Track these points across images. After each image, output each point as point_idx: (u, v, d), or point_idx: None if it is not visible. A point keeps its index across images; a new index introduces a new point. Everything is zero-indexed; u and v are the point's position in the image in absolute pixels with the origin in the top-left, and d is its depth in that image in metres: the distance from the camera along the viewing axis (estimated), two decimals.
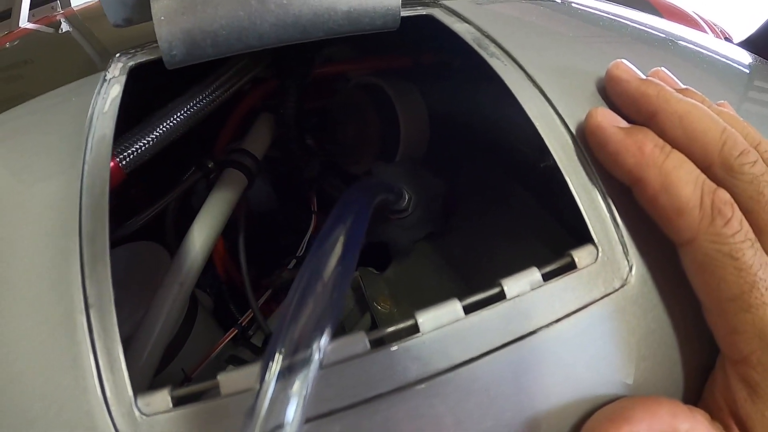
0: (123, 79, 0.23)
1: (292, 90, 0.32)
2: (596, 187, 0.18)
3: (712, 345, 0.17)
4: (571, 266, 0.17)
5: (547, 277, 0.17)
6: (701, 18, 0.99)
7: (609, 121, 0.18)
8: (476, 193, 0.34)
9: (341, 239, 0.15)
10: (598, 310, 0.17)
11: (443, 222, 0.32)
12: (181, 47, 0.21)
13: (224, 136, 0.34)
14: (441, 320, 0.16)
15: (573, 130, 0.20)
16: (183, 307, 0.27)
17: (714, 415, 0.16)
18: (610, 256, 0.17)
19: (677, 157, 0.17)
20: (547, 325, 0.16)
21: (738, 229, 0.16)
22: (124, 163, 0.23)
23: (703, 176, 0.17)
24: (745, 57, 0.35)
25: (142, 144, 0.24)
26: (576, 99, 0.21)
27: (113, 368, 0.15)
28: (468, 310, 0.16)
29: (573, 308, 0.17)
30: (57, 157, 0.19)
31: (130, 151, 0.24)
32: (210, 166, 0.32)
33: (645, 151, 0.17)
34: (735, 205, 0.16)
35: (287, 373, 0.12)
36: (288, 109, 0.33)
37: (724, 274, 0.16)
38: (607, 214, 0.18)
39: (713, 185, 0.16)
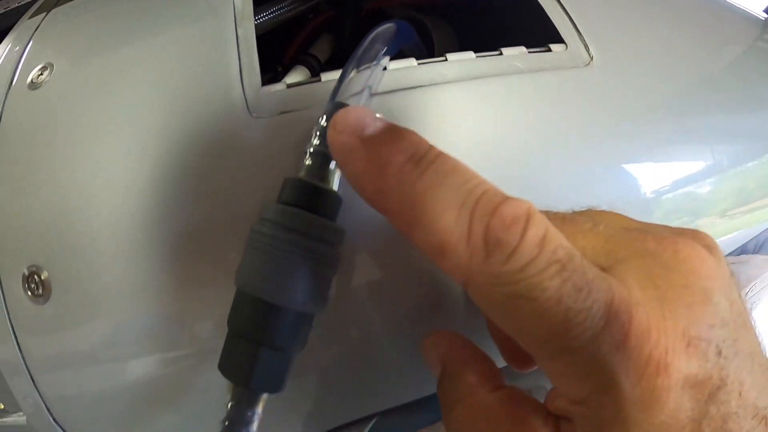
0: None
1: (348, 18, 0.43)
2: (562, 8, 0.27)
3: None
4: (549, 49, 0.25)
5: (531, 52, 0.25)
6: None
7: (353, 128, 0.14)
8: None
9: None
10: (569, 74, 0.25)
11: None
12: None
13: (290, 50, 0.44)
14: (463, 57, 0.24)
15: None
16: None
17: None
18: (574, 48, 0.26)
19: (439, 170, 0.13)
20: (533, 71, 0.24)
21: (533, 256, 0.12)
22: None
23: (480, 190, 0.13)
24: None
25: None
26: None
27: (251, 62, 0.23)
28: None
29: (556, 66, 0.25)
30: None
31: None
32: (279, 69, 0.41)
33: (388, 172, 0.13)
34: (533, 220, 0.12)
35: (361, 64, 0.20)
36: (344, 34, 0.43)
37: (520, 319, 0.12)
38: (571, 24, 0.26)
39: (495, 200, 0.12)
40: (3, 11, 0.52)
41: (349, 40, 0.43)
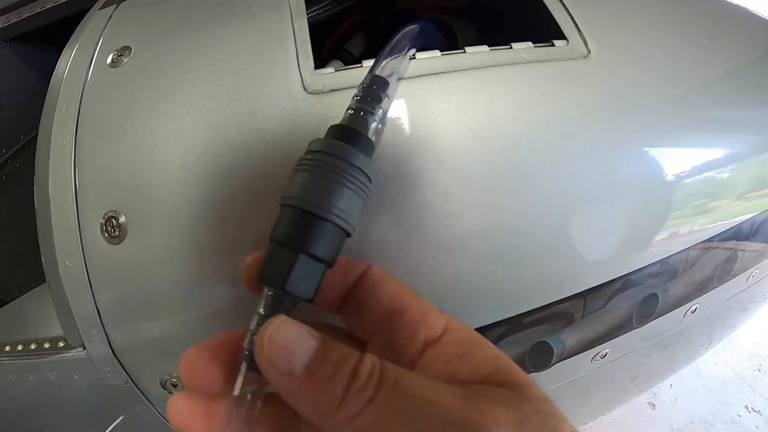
0: None
1: (380, 18, 0.48)
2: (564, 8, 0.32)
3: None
4: (552, 44, 0.30)
5: (537, 46, 0.30)
6: None
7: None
8: None
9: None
10: (568, 65, 0.30)
11: None
12: None
13: (327, 46, 0.49)
14: (479, 49, 0.29)
15: None
16: None
17: None
18: (574, 43, 0.30)
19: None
20: (537, 61, 0.29)
21: None
22: None
23: None
24: None
25: None
26: None
27: (305, 49, 0.29)
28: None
29: (558, 58, 0.29)
30: None
31: None
32: (317, 63, 0.47)
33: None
34: None
35: (392, 54, 0.25)
36: (376, 32, 0.48)
37: None
38: (571, 22, 0.31)
39: None
40: (39, 10, 0.54)
41: (381, 37, 0.48)
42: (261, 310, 0.19)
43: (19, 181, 0.49)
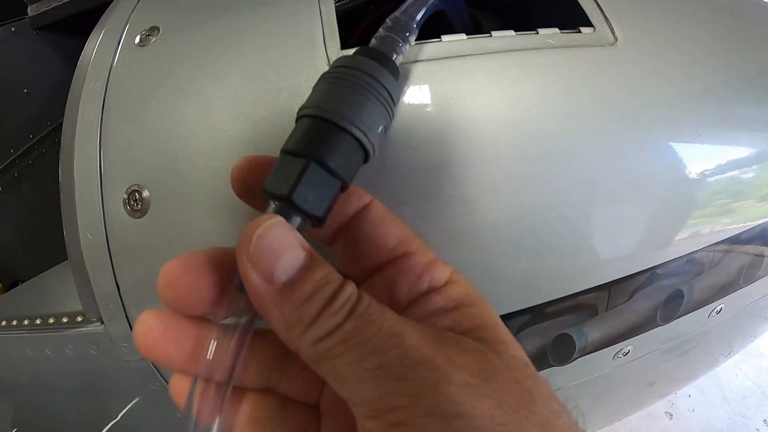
0: None
1: None
2: None
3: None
4: (579, 31, 0.30)
5: (563, 33, 0.30)
6: None
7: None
8: None
9: None
10: (594, 51, 0.29)
11: None
12: None
13: (352, 38, 0.50)
14: (505, 34, 0.29)
15: None
16: None
17: None
18: (601, 30, 0.30)
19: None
20: (563, 47, 0.29)
21: None
22: None
23: None
24: None
25: None
26: None
27: (332, 31, 0.29)
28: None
29: (584, 44, 0.29)
30: None
31: None
32: None
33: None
34: None
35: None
36: None
37: None
38: (598, 10, 0.31)
39: None
40: (67, 0, 0.55)
41: None
42: None
43: (45, 167, 0.50)
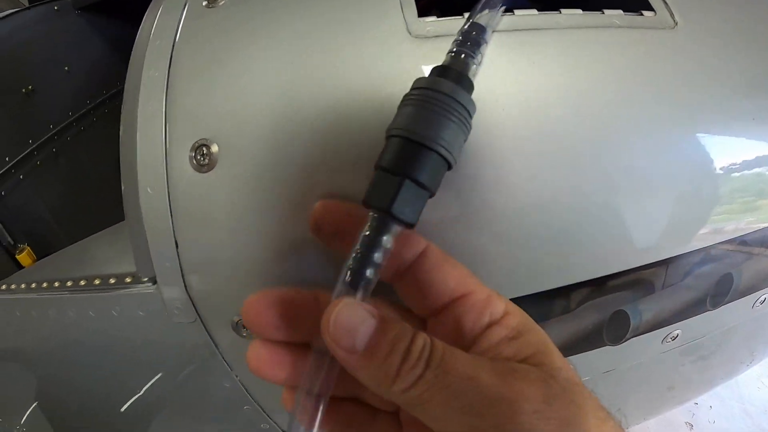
0: None
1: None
2: None
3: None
4: (641, 14, 0.31)
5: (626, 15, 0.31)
6: None
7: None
8: None
9: None
10: (656, 33, 0.30)
11: None
12: None
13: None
14: (573, 12, 0.30)
15: None
16: None
17: None
18: (661, 14, 0.31)
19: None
20: (625, 27, 0.30)
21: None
22: None
23: None
24: None
25: None
26: None
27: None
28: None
29: (645, 26, 0.30)
30: None
31: None
32: None
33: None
34: None
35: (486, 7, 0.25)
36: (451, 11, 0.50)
37: None
38: None
39: None
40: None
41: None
42: (366, 232, 0.20)
43: (83, 144, 0.50)
